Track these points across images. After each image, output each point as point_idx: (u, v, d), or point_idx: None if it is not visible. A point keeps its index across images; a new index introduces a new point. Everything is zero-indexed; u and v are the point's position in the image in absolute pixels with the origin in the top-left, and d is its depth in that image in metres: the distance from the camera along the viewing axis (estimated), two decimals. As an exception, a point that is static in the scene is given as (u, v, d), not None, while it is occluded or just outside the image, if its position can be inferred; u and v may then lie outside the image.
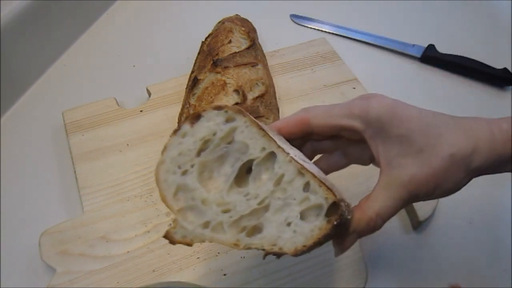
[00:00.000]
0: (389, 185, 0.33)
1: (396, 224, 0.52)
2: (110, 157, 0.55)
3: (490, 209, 0.54)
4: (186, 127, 0.31)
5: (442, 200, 0.52)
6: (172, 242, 0.30)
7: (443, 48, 0.71)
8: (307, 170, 0.29)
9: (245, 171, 0.32)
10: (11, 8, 0.60)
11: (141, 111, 0.60)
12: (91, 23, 0.76)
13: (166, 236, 0.31)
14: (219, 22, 0.65)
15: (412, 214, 0.52)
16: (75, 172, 0.54)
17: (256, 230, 0.30)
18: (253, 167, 0.31)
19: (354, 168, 0.55)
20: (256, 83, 0.54)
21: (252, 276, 0.46)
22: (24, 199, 0.54)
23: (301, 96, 0.63)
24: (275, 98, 0.58)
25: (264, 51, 0.66)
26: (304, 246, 0.28)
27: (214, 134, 0.31)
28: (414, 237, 0.51)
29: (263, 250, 0.29)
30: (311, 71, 0.67)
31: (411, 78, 0.70)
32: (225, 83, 0.52)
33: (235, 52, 0.56)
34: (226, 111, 0.31)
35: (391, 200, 0.33)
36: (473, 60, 0.69)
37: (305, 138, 0.38)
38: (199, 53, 0.61)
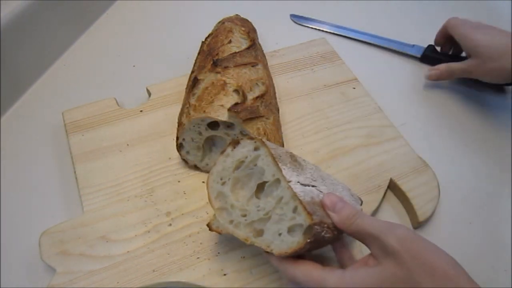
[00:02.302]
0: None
1: (396, 224, 0.52)
2: (110, 157, 0.55)
3: (490, 209, 0.54)
4: (229, 149, 0.43)
5: (442, 200, 0.53)
6: (210, 229, 0.43)
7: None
8: (297, 197, 0.37)
9: (263, 186, 0.41)
10: (11, 8, 0.60)
11: (141, 111, 0.60)
12: (91, 23, 0.76)
13: (208, 224, 0.43)
14: (219, 22, 0.65)
15: (412, 214, 0.52)
16: (75, 172, 0.54)
17: (260, 232, 0.39)
18: (265, 187, 0.40)
19: (354, 168, 0.55)
20: (256, 83, 0.54)
21: (252, 276, 0.46)
22: (24, 199, 0.54)
23: (301, 96, 0.63)
24: (275, 98, 0.58)
25: (264, 51, 0.66)
26: (286, 252, 0.37)
27: (246, 157, 0.42)
28: (414, 237, 0.51)
29: (262, 248, 0.39)
30: (311, 71, 0.67)
31: (411, 78, 0.70)
32: (225, 83, 0.52)
33: (235, 52, 0.56)
34: (255, 142, 0.41)
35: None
36: None
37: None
38: (199, 53, 0.61)
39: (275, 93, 0.59)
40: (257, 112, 0.50)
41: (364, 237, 0.37)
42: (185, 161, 0.54)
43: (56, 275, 0.45)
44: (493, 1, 0.83)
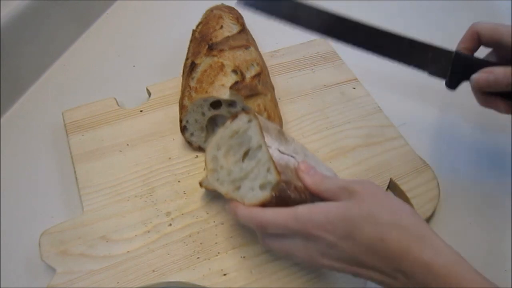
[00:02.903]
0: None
1: (396, 224, 0.52)
2: (110, 157, 0.55)
3: (490, 209, 0.54)
4: (228, 122, 0.47)
5: (442, 200, 0.53)
6: (201, 186, 0.49)
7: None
8: (271, 159, 0.41)
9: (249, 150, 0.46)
10: (11, 8, 0.60)
11: (141, 111, 0.60)
12: (91, 23, 0.76)
13: (199, 182, 0.49)
14: (207, 11, 0.66)
15: (412, 214, 0.52)
16: (75, 172, 0.54)
17: (238, 188, 0.44)
18: (250, 152, 0.45)
19: (354, 168, 0.55)
20: (252, 64, 0.56)
21: (252, 276, 0.46)
22: (24, 199, 0.54)
23: (301, 96, 0.63)
24: (269, 78, 0.60)
25: (264, 51, 0.66)
26: (254, 204, 0.41)
27: (240, 128, 0.46)
28: (414, 237, 0.51)
29: (237, 200, 0.43)
30: (311, 71, 0.67)
31: (412, 78, 0.70)
32: (223, 65, 0.54)
33: (228, 36, 0.58)
34: (249, 115, 0.45)
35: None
36: None
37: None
38: (191, 41, 0.62)
39: (268, 73, 0.60)
40: (256, 89, 0.53)
41: (334, 192, 0.40)
42: (189, 143, 0.55)
43: (56, 275, 0.45)
44: (493, 1, 0.83)
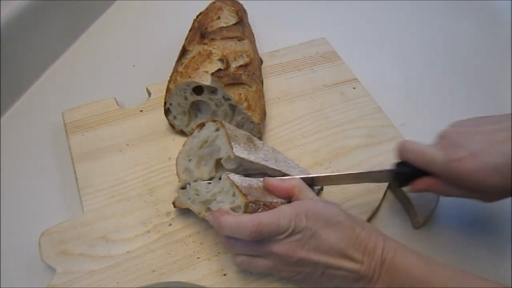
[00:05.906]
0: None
1: (396, 224, 0.52)
2: (110, 157, 0.55)
3: (490, 210, 0.54)
4: (196, 131, 0.49)
5: (442, 200, 0.53)
6: (174, 206, 0.49)
7: (441, 48, 0.71)
8: (234, 184, 0.43)
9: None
10: (11, 8, 0.60)
11: (141, 111, 0.60)
12: (91, 23, 0.76)
13: (173, 202, 0.49)
14: (211, 2, 0.67)
15: (412, 214, 0.52)
16: (75, 172, 0.54)
17: (209, 209, 0.45)
18: (221, 162, 0.46)
19: (354, 168, 0.55)
20: (241, 55, 0.57)
21: (252, 276, 0.46)
22: (24, 199, 0.54)
23: (301, 96, 0.63)
24: (260, 71, 0.60)
25: (264, 51, 0.66)
26: None
27: (208, 137, 0.47)
28: (414, 237, 0.51)
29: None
30: (311, 71, 0.67)
31: (411, 78, 0.70)
32: (211, 53, 0.55)
33: (222, 27, 0.59)
34: (217, 123, 0.47)
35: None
36: None
37: None
38: (190, 30, 0.63)
39: (260, 67, 0.61)
40: (240, 79, 0.54)
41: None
42: (172, 126, 0.57)
43: (56, 275, 0.45)
44: (493, 1, 0.83)
